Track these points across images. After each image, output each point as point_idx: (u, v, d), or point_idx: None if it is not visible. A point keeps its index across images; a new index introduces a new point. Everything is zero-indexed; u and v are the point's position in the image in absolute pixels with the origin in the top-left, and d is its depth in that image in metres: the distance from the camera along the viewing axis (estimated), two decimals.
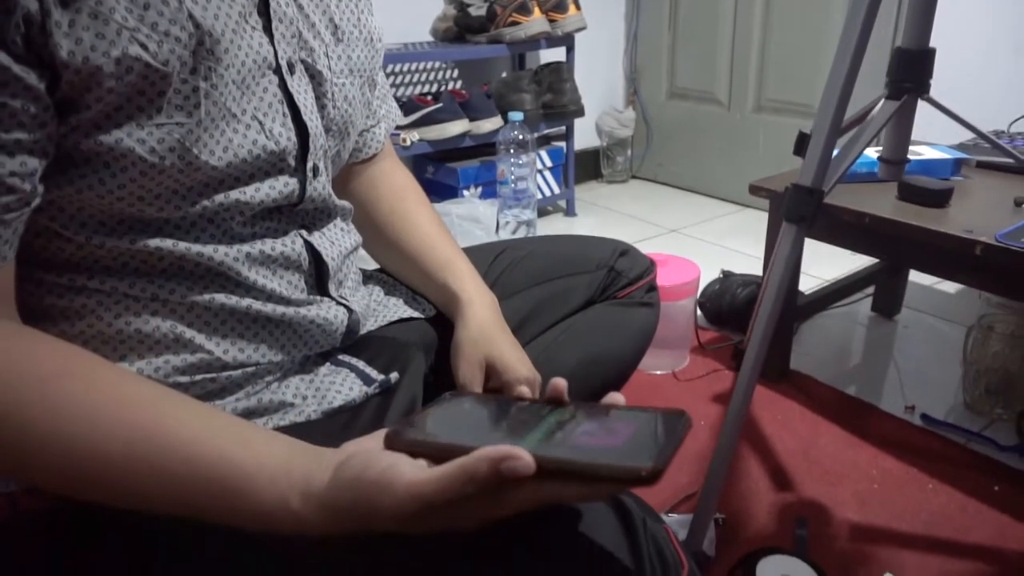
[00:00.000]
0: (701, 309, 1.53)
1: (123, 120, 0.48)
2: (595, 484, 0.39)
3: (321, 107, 0.62)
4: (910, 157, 1.18)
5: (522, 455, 0.37)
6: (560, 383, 0.47)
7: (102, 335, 0.54)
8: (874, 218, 1.07)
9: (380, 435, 0.44)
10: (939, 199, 1.08)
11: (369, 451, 0.42)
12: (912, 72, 0.82)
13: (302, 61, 0.59)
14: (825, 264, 1.73)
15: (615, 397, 0.45)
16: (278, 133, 0.57)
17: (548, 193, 2.26)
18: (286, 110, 0.58)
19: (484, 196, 2.02)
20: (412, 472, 0.39)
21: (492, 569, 0.43)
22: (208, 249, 0.55)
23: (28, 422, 0.43)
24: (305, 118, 0.59)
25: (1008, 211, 1.05)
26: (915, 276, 1.63)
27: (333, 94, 0.63)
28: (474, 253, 0.83)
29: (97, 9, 0.45)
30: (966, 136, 1.40)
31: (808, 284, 1.63)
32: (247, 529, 0.44)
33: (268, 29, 0.56)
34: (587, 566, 0.43)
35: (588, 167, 2.66)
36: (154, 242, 0.53)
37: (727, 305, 1.48)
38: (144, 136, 0.49)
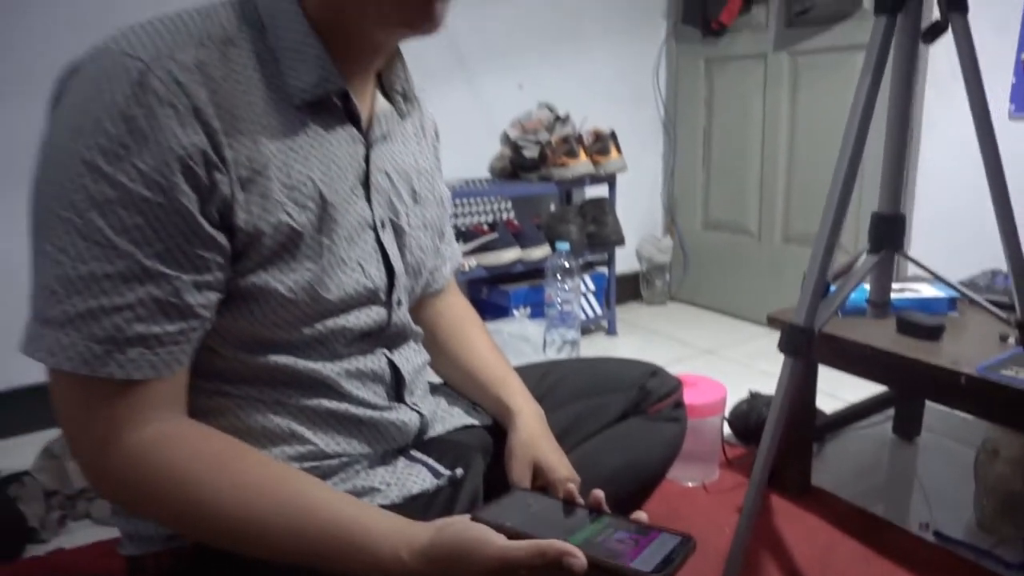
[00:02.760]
0: (730, 427, 1.66)
1: (271, 267, 0.66)
2: None
3: (402, 254, 0.80)
4: (909, 295, 1.35)
5: (580, 556, 0.54)
6: (599, 494, 0.64)
7: (237, 429, 0.69)
8: (874, 349, 1.22)
9: (465, 516, 0.60)
10: (932, 333, 1.22)
11: (465, 521, 0.59)
12: (887, 233, 1.00)
13: (390, 220, 0.78)
14: (851, 388, 1.84)
15: (640, 515, 0.62)
16: (374, 275, 0.75)
17: (591, 314, 2.45)
18: (379, 256, 0.76)
19: (533, 316, 2.22)
20: (501, 540, 0.56)
21: None
22: (318, 365, 0.72)
23: (209, 496, 0.60)
24: (393, 262, 0.77)
25: (994, 345, 1.19)
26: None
27: (411, 244, 0.81)
28: (524, 371, 1.00)
29: (263, 191, 0.64)
30: (983, 267, 1.53)
31: (834, 406, 1.75)
32: None
33: (367, 197, 0.74)
34: None
35: (629, 289, 2.86)
36: (279, 358, 0.70)
37: (754, 423, 1.61)
38: (283, 278, 0.67)
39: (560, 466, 0.84)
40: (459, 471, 0.82)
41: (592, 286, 2.44)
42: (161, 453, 0.61)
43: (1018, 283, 0.94)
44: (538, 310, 2.25)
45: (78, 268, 0.58)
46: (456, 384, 0.97)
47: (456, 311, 0.99)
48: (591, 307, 2.46)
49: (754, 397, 1.68)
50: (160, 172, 0.58)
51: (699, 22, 2.62)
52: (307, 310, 0.69)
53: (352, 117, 0.72)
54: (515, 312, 2.24)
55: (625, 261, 2.78)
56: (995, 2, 1.85)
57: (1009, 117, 1.86)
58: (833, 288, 1.07)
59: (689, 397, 1.30)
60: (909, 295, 1.37)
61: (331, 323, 0.72)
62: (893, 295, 1.36)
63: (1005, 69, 1.86)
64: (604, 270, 2.50)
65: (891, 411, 1.71)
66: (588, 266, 2.58)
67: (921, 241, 2.05)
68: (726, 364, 2.20)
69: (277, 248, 0.65)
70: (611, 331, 2.51)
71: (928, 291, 1.38)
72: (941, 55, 1.97)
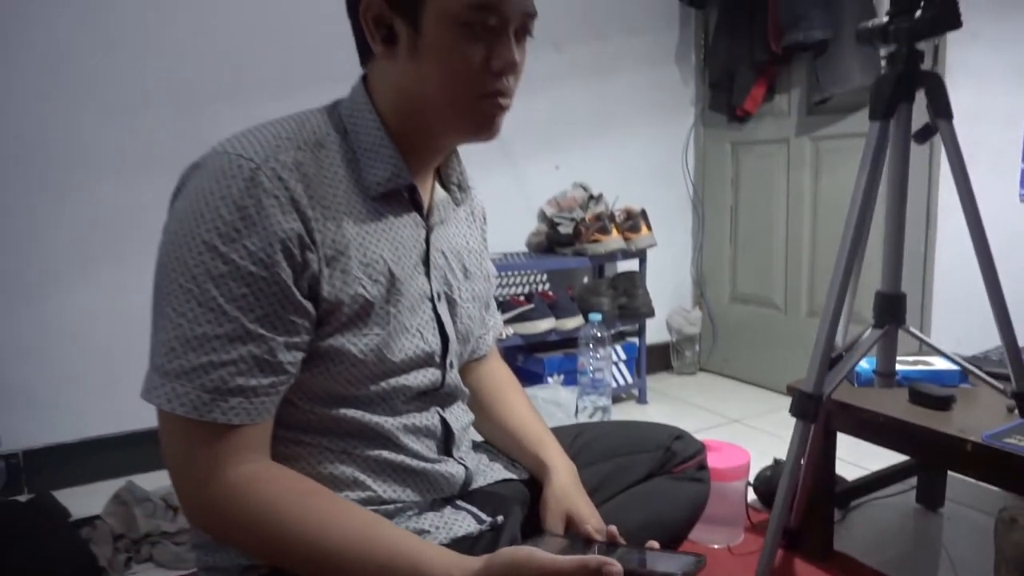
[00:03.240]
0: (755, 493, 1.73)
1: (346, 332, 0.78)
2: None
3: (454, 322, 0.93)
4: (923, 368, 1.44)
5: (618, 565, 0.64)
6: (613, 529, 0.76)
7: (309, 475, 0.80)
8: (887, 417, 1.30)
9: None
10: (942, 404, 1.31)
11: (512, 547, 0.69)
12: (890, 310, 1.11)
13: (445, 293, 0.91)
14: (874, 458, 1.89)
15: (652, 544, 0.73)
16: (431, 340, 0.87)
17: (622, 383, 2.55)
18: (435, 325, 0.88)
19: (566, 383, 2.33)
20: (550, 554, 0.66)
21: None
22: (380, 419, 0.84)
23: (293, 526, 0.72)
24: (447, 330, 0.89)
25: (1001, 415, 1.26)
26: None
27: (461, 314, 0.93)
28: (558, 432, 1.09)
29: (344, 267, 0.77)
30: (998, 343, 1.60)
31: (858, 475, 1.81)
32: None
33: (427, 273, 0.88)
34: None
35: (660, 359, 2.95)
36: (349, 412, 0.82)
37: (777, 488, 1.68)
38: (356, 341, 0.79)
39: (591, 517, 0.93)
40: (499, 518, 0.92)
41: (623, 355, 2.55)
42: (255, 488, 0.72)
43: (1011, 356, 1.04)
44: (571, 377, 2.35)
45: (194, 329, 0.71)
46: (497, 442, 1.08)
47: (498, 376, 1.11)
48: (622, 375, 2.55)
49: (778, 464, 1.75)
50: (265, 251, 0.71)
51: (725, 109, 2.80)
52: (375, 369, 0.81)
53: (416, 206, 0.86)
54: (549, 379, 2.35)
55: (656, 332, 2.88)
56: (1003, 94, 1.99)
57: (1020, 200, 1.96)
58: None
59: (713, 461, 1.38)
60: (922, 368, 1.45)
61: (393, 382, 0.83)
62: (908, 367, 1.45)
63: (1014, 156, 1.98)
64: (635, 340, 2.61)
65: (914, 481, 1.75)
66: (620, 336, 2.69)
67: (942, 318, 2.14)
68: (753, 433, 2.26)
69: (353, 316, 0.78)
70: (642, 399, 2.59)
71: (941, 364, 1.46)
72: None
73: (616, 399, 2.58)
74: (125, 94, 1.97)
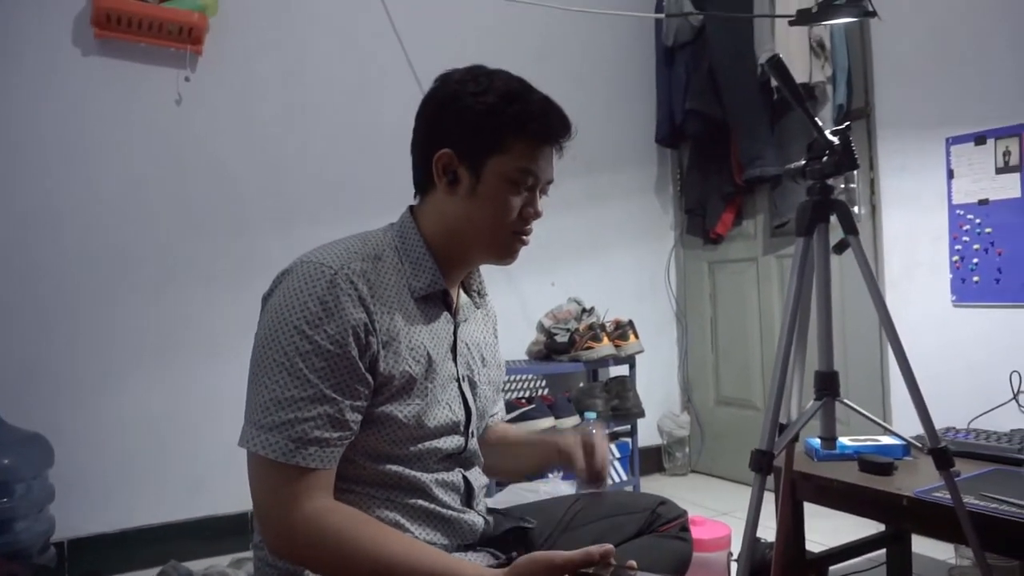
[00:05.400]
0: (738, 566, 1.91)
1: (394, 401, 1.02)
2: None
3: (474, 399, 1.17)
4: (870, 443, 1.68)
5: (611, 547, 0.87)
6: (610, 547, 0.94)
7: None
8: (840, 483, 1.53)
9: None
10: (884, 470, 1.54)
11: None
12: (826, 385, 1.36)
13: (467, 376, 1.16)
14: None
15: (631, 563, 0.94)
16: (457, 412, 1.11)
17: (617, 480, 2.74)
18: (460, 400, 1.12)
19: (565, 478, 2.52)
20: (562, 552, 0.88)
21: None
22: (418, 475, 1.07)
23: (358, 545, 0.93)
24: (469, 405, 1.15)
25: (934, 478, 1.49)
26: (920, 548, 1.97)
27: (480, 394, 1.18)
28: (556, 500, 1.32)
29: (395, 350, 1.02)
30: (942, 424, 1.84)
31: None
32: None
33: (454, 359, 1.14)
34: None
35: (652, 462, 3.15)
36: (392, 467, 1.04)
37: (758, 563, 1.86)
38: (401, 409, 1.03)
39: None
40: (514, 554, 1.14)
41: (617, 453, 2.76)
42: (325, 517, 0.94)
43: (924, 423, 1.30)
44: (570, 473, 2.55)
45: (284, 392, 0.95)
46: (508, 458, 1.29)
47: (500, 425, 1.35)
48: (617, 473, 2.75)
49: (758, 541, 1.94)
50: (340, 335, 0.96)
51: (700, 233, 3.17)
52: (414, 433, 1.04)
53: (448, 306, 1.13)
54: (550, 475, 2.53)
55: (648, 436, 3.10)
56: (929, 217, 2.34)
57: (952, 305, 2.27)
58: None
59: (697, 533, 1.59)
60: (870, 443, 1.70)
61: (428, 444, 1.06)
62: (859, 444, 1.70)
63: (943, 268, 2.30)
64: (628, 440, 2.82)
65: (883, 556, 1.93)
66: (614, 436, 2.91)
67: (900, 405, 2.39)
68: (738, 521, 2.43)
69: (399, 388, 1.01)
70: None
71: (886, 440, 1.71)
72: (895, 262, 2.43)
73: None
74: (188, 218, 2.32)
